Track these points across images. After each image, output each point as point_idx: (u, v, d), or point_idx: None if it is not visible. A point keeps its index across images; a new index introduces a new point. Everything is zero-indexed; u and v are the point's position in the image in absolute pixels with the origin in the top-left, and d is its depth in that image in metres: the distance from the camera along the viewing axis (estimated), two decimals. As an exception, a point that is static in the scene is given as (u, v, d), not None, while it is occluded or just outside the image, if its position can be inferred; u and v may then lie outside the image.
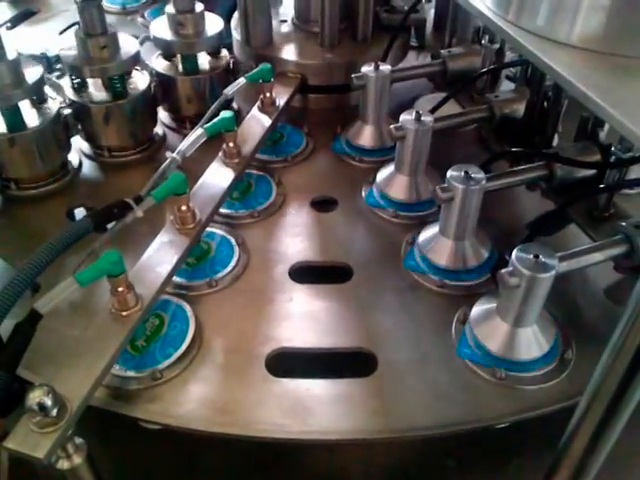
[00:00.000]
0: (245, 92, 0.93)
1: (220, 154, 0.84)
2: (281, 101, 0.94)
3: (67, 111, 0.89)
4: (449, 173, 0.67)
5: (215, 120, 0.80)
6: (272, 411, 0.62)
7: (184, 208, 0.72)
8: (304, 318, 0.71)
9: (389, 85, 0.89)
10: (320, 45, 1.02)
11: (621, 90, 0.47)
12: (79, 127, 0.91)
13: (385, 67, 0.88)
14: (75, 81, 0.89)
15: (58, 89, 0.91)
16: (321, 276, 0.76)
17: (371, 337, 0.69)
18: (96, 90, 0.90)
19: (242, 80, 0.88)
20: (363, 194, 0.87)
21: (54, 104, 0.87)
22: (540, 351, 0.63)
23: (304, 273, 0.77)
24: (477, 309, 0.67)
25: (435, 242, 0.74)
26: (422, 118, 0.77)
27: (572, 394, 0.61)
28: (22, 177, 0.87)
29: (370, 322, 0.70)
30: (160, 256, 0.69)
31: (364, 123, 0.93)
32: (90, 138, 0.93)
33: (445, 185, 0.67)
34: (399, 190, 0.83)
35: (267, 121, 0.91)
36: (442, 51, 1.00)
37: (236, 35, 1.03)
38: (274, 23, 1.04)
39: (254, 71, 0.90)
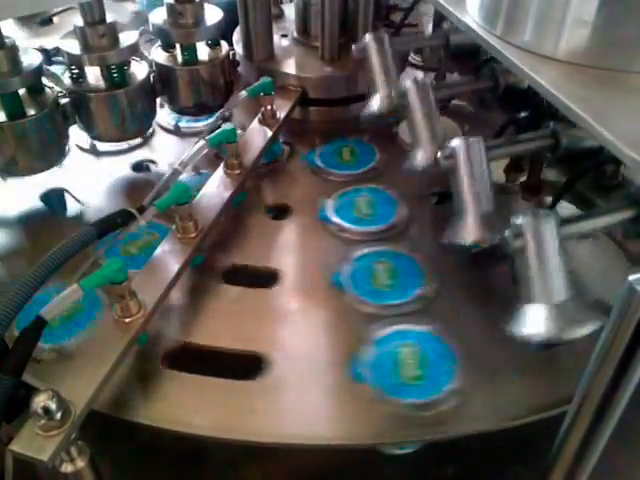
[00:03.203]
0: (246, 105, 0.96)
1: (222, 165, 0.85)
2: (282, 113, 0.96)
3: (65, 100, 0.89)
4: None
5: (217, 132, 0.82)
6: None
7: (186, 218, 0.73)
8: (217, 317, 0.72)
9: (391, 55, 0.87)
10: (320, 59, 1.04)
11: (602, 102, 0.49)
12: (77, 117, 0.91)
13: (383, 33, 0.87)
14: (73, 71, 0.89)
15: (56, 79, 0.91)
16: (253, 281, 0.78)
17: (268, 342, 0.70)
18: (95, 80, 0.90)
19: (243, 93, 0.90)
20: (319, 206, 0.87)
21: (52, 93, 0.87)
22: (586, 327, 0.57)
23: (237, 276, 0.78)
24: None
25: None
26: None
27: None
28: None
29: (273, 328, 0.72)
30: (162, 264, 0.71)
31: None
32: (88, 128, 0.92)
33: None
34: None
35: (268, 133, 0.93)
36: (444, 24, 0.97)
37: (238, 49, 1.06)
38: (275, 38, 1.06)
39: (255, 84, 0.92)
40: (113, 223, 0.71)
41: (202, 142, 0.80)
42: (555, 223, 0.54)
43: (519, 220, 0.55)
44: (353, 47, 0.87)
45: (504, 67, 0.81)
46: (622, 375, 0.43)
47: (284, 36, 1.10)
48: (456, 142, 0.63)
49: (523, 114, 0.81)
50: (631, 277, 0.40)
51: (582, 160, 0.71)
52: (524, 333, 0.58)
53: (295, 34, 1.10)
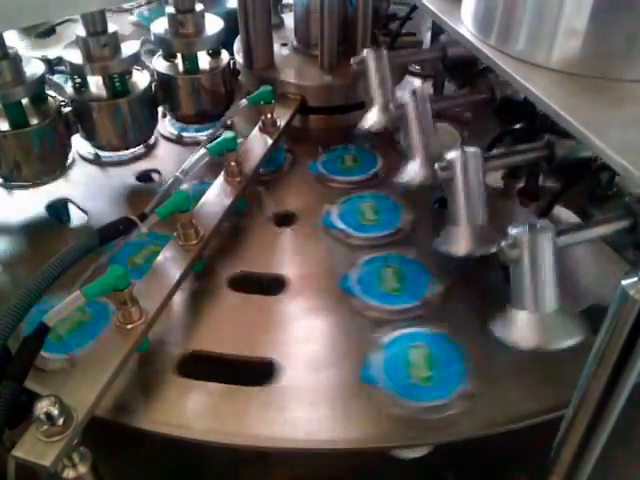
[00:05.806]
0: (247, 113, 0.96)
1: (222, 173, 0.86)
2: (282, 122, 0.97)
3: (68, 109, 0.90)
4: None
5: (218, 140, 0.83)
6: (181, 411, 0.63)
7: (187, 225, 0.74)
8: (226, 325, 0.73)
9: (389, 70, 0.88)
10: (320, 67, 1.05)
11: (593, 109, 0.50)
12: (79, 126, 0.92)
13: (383, 50, 0.88)
14: (76, 81, 0.90)
15: (59, 89, 0.93)
16: (259, 288, 0.78)
17: (280, 348, 0.70)
18: (97, 89, 0.91)
19: (244, 102, 0.91)
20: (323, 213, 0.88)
21: (55, 103, 0.88)
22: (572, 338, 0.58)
23: (243, 283, 0.79)
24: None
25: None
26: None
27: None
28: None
29: (284, 334, 0.72)
30: (164, 271, 0.71)
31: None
32: (90, 136, 0.93)
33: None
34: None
35: (268, 141, 0.94)
36: (441, 36, 0.99)
37: (238, 58, 1.07)
38: (275, 46, 1.07)
39: (255, 93, 0.93)
40: (115, 230, 0.72)
41: (203, 150, 0.81)
42: (551, 235, 0.55)
43: (515, 231, 0.56)
44: (352, 60, 0.88)
45: (501, 79, 0.83)
46: (618, 378, 0.43)
47: (284, 45, 1.12)
48: (453, 154, 0.64)
49: (518, 125, 0.82)
50: (624, 282, 0.41)
51: (578, 169, 0.72)
52: (509, 339, 0.58)
53: (295, 43, 1.11)
